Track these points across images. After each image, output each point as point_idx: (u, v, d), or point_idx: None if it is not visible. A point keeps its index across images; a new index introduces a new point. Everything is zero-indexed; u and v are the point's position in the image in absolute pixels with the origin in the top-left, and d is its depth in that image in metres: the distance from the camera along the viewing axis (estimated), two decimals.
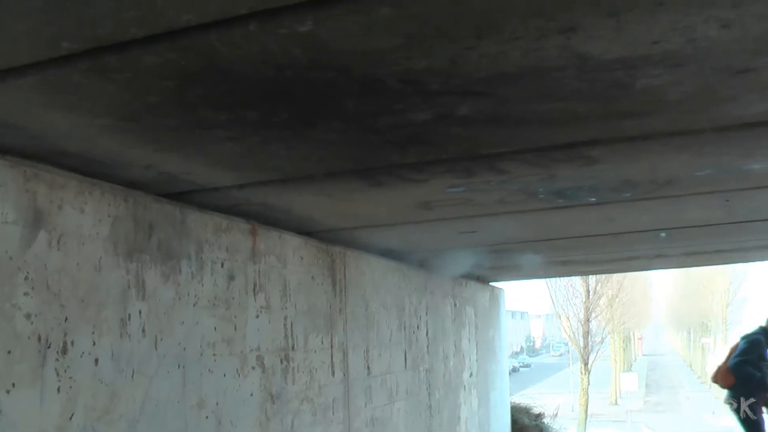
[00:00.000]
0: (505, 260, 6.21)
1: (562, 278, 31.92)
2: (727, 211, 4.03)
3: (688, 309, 62.61)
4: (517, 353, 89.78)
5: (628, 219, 4.25)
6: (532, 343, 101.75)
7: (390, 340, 5.06)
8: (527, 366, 75.05)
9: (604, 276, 32.75)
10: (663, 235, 4.99)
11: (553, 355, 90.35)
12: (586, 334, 32.44)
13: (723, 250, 6.44)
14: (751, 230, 4.82)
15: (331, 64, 1.63)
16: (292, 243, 3.80)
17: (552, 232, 4.59)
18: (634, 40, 1.59)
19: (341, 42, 1.53)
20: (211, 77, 1.71)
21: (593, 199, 3.51)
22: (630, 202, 3.63)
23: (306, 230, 3.87)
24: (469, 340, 7.32)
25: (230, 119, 2.02)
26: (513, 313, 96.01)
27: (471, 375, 7.30)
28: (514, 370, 68.07)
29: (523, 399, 13.90)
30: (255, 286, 3.39)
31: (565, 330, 34.05)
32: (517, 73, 1.72)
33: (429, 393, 5.91)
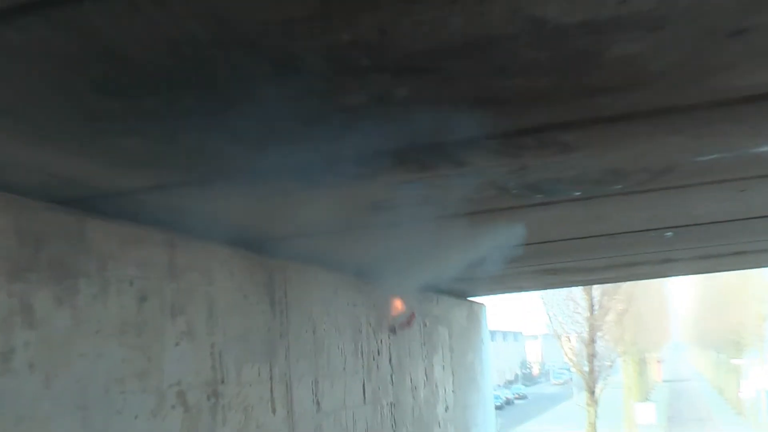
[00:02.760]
0: (481, 270, 6.23)
1: (559, 290, 32.13)
2: (743, 203, 4.06)
3: (716, 324, 62.27)
4: (510, 382, 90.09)
5: (622, 216, 4.28)
6: (528, 370, 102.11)
7: (344, 368, 5.05)
8: (523, 397, 75.40)
9: (610, 287, 32.99)
10: (669, 234, 5.04)
11: (553, 384, 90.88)
12: (592, 357, 32.66)
13: (745, 251, 6.51)
14: None
15: (236, 39, 1.63)
16: (220, 255, 3.78)
17: (532, 234, 4.61)
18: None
19: (244, 12, 1.52)
20: (95, 58, 1.70)
21: (577, 193, 3.53)
22: (622, 196, 3.66)
23: (237, 240, 3.86)
24: (444, 366, 7.34)
25: (126, 109, 2.01)
26: (504, 334, 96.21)
27: (447, 409, 7.32)
28: (508, 402, 68.42)
29: None
30: (173, 307, 3.37)
31: (566, 353, 34.26)
32: (461, 44, 1.73)
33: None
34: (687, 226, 4.71)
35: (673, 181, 3.37)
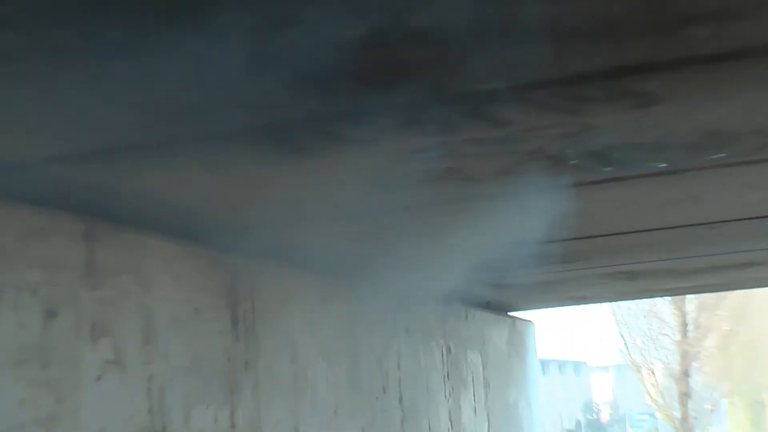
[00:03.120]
0: (527, 275, 6.23)
1: (637, 303, 32.22)
2: None
3: None
4: None
5: (726, 197, 4.29)
6: (595, 415, 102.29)
7: (335, 411, 5.05)
8: None
9: (711, 299, 33.05)
10: None
11: None
12: (685, 397, 32.77)
13: None
14: None
15: None
16: (163, 252, 3.78)
17: (599, 223, 4.61)
18: None
19: None
20: None
21: (662, 165, 3.53)
22: (725, 169, 3.67)
23: (186, 232, 3.86)
24: (476, 409, 7.35)
25: (23, 46, 1.99)
26: (561, 365, 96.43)
27: None
28: None
29: None
30: (94, 326, 3.36)
31: (648, 391, 34.39)
32: None
33: None
34: None
35: None
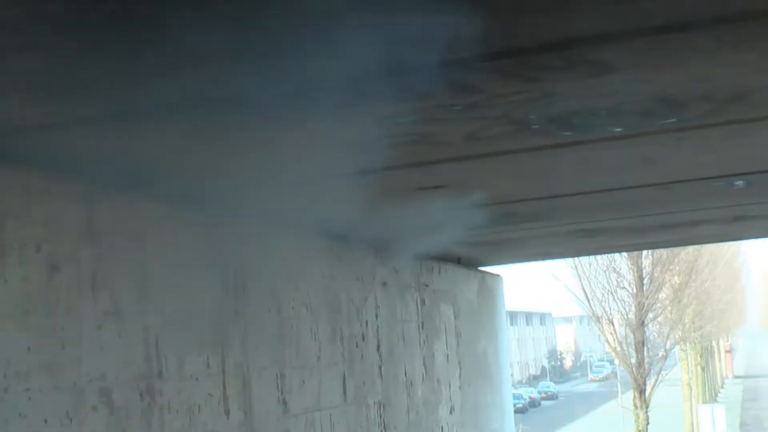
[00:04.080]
0: (497, 231, 6.23)
1: (598, 260, 32.23)
2: None
3: None
4: (536, 378, 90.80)
5: (677, 160, 4.29)
6: (559, 362, 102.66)
7: (318, 358, 5.07)
8: (552, 397, 76.04)
9: (665, 255, 33.03)
10: (739, 184, 5.04)
11: (592, 379, 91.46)
12: (641, 345, 32.78)
13: None
14: None
15: None
16: (156, 213, 3.78)
17: (561, 183, 4.61)
18: None
19: None
20: None
21: (618, 130, 3.54)
22: (677, 133, 3.67)
23: (176, 194, 3.84)
24: (448, 356, 7.37)
25: (20, 16, 1.98)
26: (528, 316, 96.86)
27: (452, 410, 7.36)
28: (533, 403, 69.01)
29: None
30: (95, 280, 3.36)
31: (607, 340, 34.41)
32: None
33: None
34: (764, 172, 4.70)
35: (745, 111, 3.38)
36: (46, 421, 3.07)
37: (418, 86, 2.71)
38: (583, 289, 33.47)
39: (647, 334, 33.55)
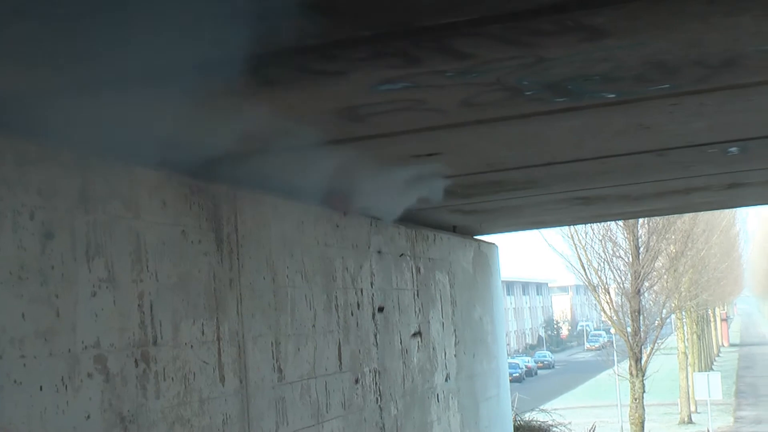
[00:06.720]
0: (491, 199, 6.24)
1: (593, 228, 32.22)
2: None
3: None
4: (532, 347, 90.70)
5: (672, 126, 4.28)
6: (555, 331, 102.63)
7: (314, 326, 5.09)
8: (549, 366, 76.17)
9: (660, 223, 33.02)
10: (733, 150, 5.04)
11: (588, 349, 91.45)
12: (636, 313, 32.77)
13: None
14: None
15: None
16: (149, 181, 3.78)
17: (555, 150, 4.60)
18: None
19: None
20: None
21: (612, 96, 3.53)
22: (671, 99, 3.67)
23: (171, 161, 3.84)
24: (443, 324, 7.38)
25: None
26: (524, 285, 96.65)
27: (447, 378, 7.38)
28: (529, 372, 69.03)
29: (542, 416, 14.08)
30: (89, 247, 3.36)
31: (603, 309, 34.41)
32: None
33: (380, 407, 5.97)
34: (758, 138, 4.69)
35: (739, 76, 3.37)
36: (41, 387, 3.07)
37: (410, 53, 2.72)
38: (579, 259, 33.45)
39: (643, 303, 33.52)
